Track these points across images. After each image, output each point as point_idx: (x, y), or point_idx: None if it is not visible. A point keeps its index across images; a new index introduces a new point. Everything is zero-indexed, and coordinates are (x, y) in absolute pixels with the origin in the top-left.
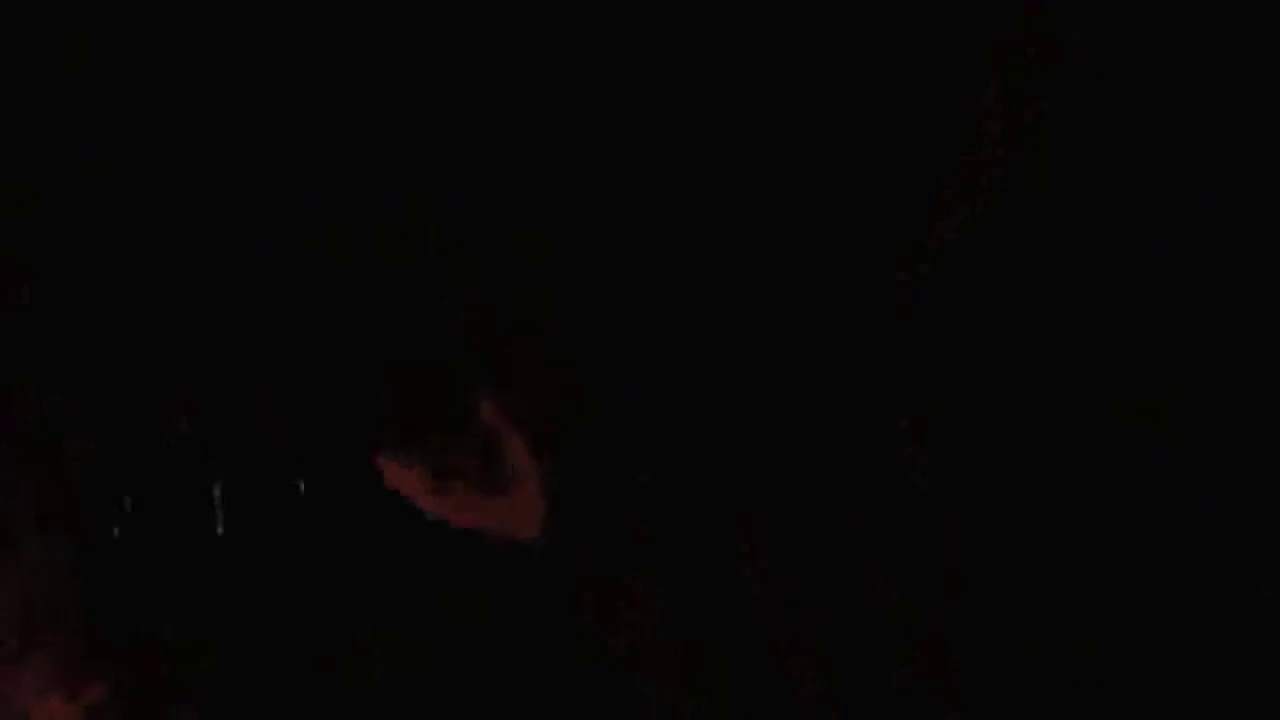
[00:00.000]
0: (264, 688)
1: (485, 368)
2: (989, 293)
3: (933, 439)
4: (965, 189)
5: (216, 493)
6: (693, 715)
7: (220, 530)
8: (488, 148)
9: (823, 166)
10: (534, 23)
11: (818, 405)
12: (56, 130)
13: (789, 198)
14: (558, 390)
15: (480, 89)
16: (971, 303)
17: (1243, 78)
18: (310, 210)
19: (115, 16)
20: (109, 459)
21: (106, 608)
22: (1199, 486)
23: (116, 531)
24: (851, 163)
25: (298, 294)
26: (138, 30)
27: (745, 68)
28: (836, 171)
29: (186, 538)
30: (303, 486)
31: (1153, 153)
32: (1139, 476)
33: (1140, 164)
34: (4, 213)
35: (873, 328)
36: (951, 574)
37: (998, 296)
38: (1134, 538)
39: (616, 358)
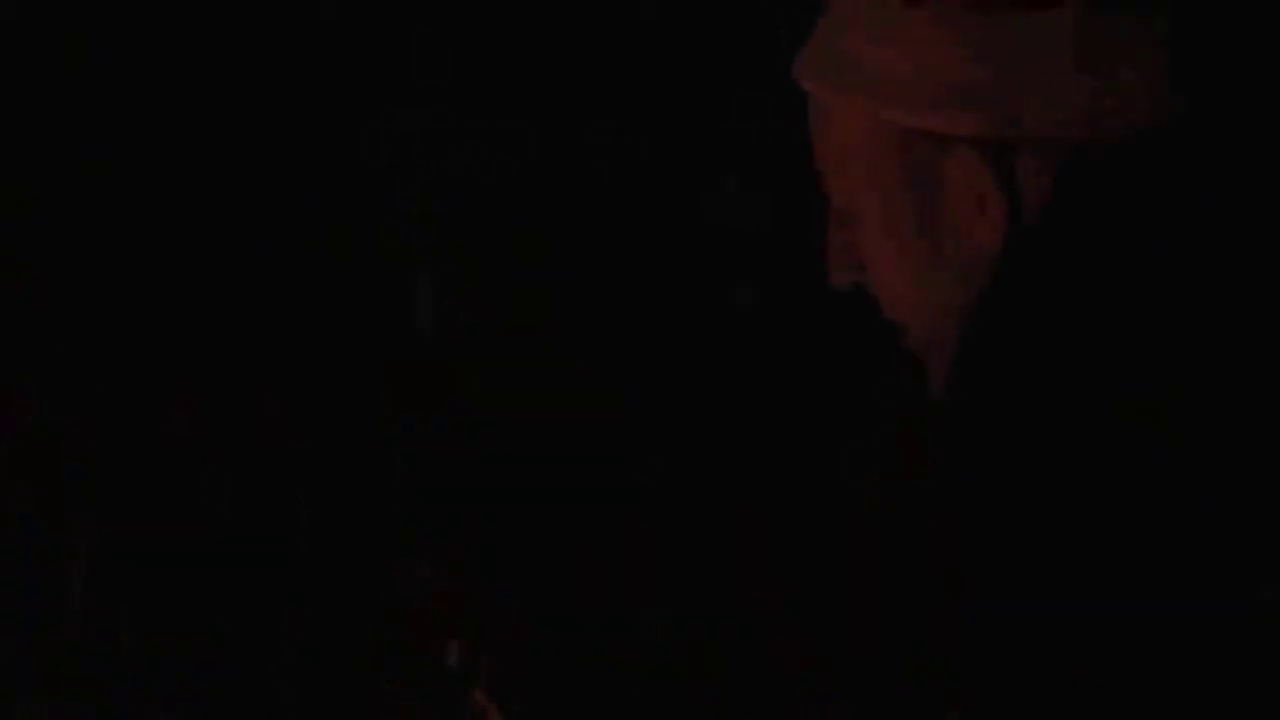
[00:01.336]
0: (262, 687)
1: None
2: (988, 294)
3: (932, 440)
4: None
5: (216, 494)
6: (692, 714)
7: (220, 530)
8: (488, 148)
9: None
10: (534, 25)
11: (819, 407)
12: (56, 130)
13: (788, 200)
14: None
15: (482, 91)
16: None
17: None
18: (310, 210)
19: (115, 16)
20: (109, 459)
21: (103, 609)
22: (1199, 486)
23: (117, 531)
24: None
25: (298, 294)
26: (138, 30)
27: (748, 76)
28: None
29: (186, 538)
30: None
31: (1150, 161)
32: (1139, 477)
33: (1137, 168)
34: (4, 213)
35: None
36: (952, 575)
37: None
38: (1134, 538)
39: (617, 358)
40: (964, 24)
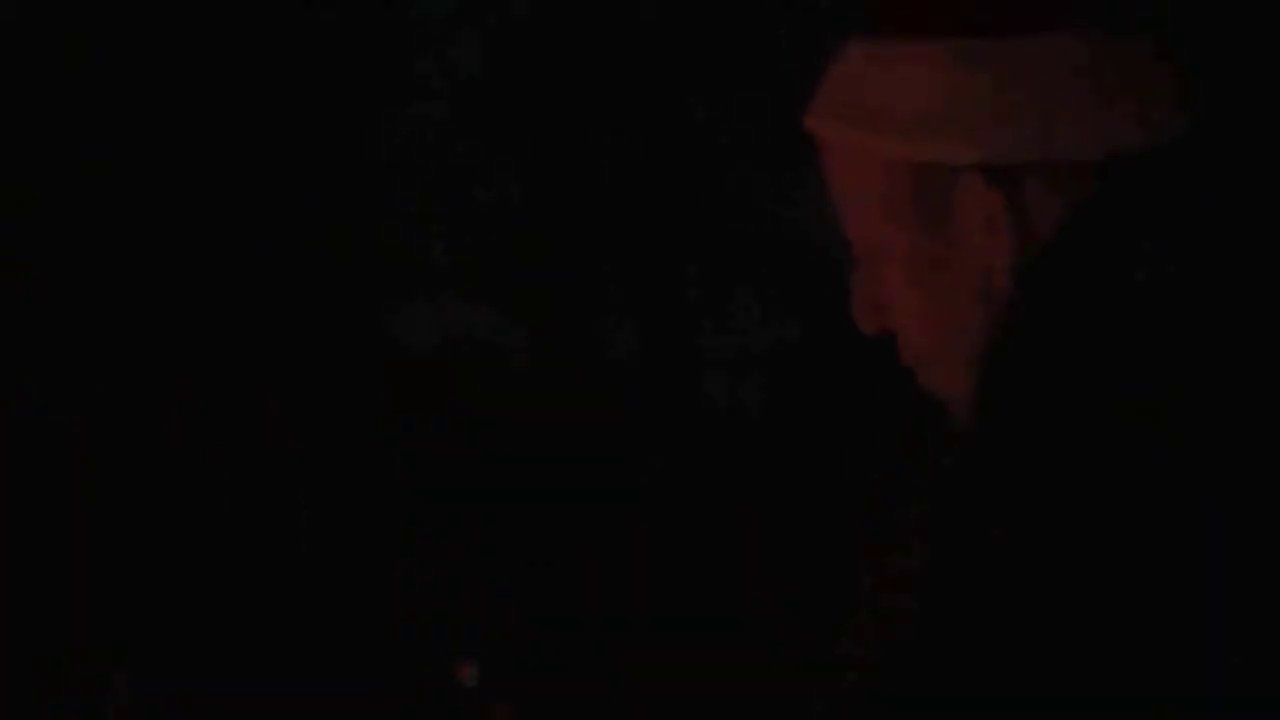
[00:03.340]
0: (261, 686)
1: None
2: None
3: (935, 448)
4: None
5: (217, 494)
6: (692, 714)
7: (221, 530)
8: (489, 149)
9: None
10: (535, 26)
11: (824, 410)
12: (56, 130)
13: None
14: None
15: (480, 92)
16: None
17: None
18: (310, 210)
19: (115, 16)
20: (108, 458)
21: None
22: (1199, 488)
23: (116, 531)
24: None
25: (298, 294)
26: (138, 30)
27: (747, 77)
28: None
29: (186, 537)
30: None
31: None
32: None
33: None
34: (4, 213)
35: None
36: (958, 579)
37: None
38: (1135, 539)
39: (619, 355)
40: (969, 53)
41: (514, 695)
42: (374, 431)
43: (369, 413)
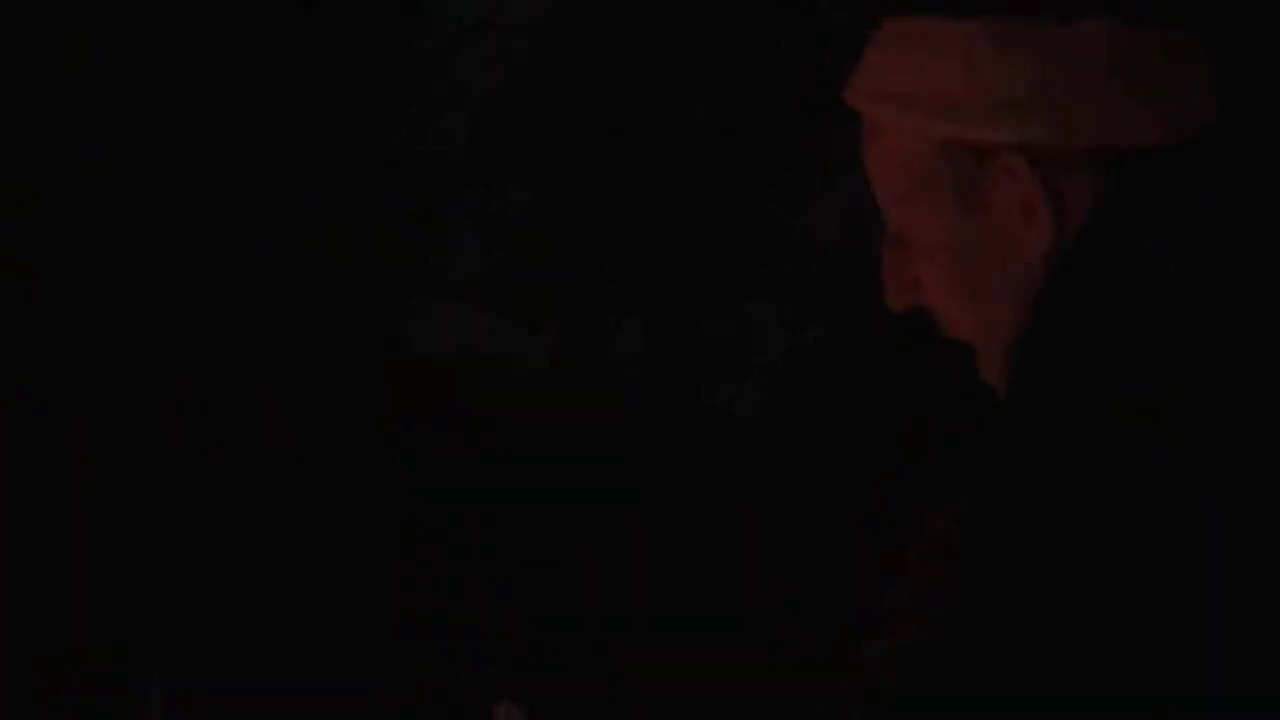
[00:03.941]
0: (260, 686)
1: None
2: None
3: (937, 448)
4: None
5: (218, 494)
6: (692, 714)
7: (221, 530)
8: (489, 148)
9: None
10: (534, 26)
11: (828, 409)
12: (57, 130)
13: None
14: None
15: (480, 93)
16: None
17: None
18: (310, 210)
19: (115, 17)
20: (108, 458)
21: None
22: (1199, 489)
23: (118, 530)
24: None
25: (298, 295)
26: (138, 30)
27: (749, 77)
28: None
29: (186, 537)
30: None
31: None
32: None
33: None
34: (4, 213)
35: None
36: (963, 579)
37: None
38: (1137, 540)
39: (620, 356)
40: (1010, 35)
41: (516, 694)
42: (375, 432)
43: (370, 413)
